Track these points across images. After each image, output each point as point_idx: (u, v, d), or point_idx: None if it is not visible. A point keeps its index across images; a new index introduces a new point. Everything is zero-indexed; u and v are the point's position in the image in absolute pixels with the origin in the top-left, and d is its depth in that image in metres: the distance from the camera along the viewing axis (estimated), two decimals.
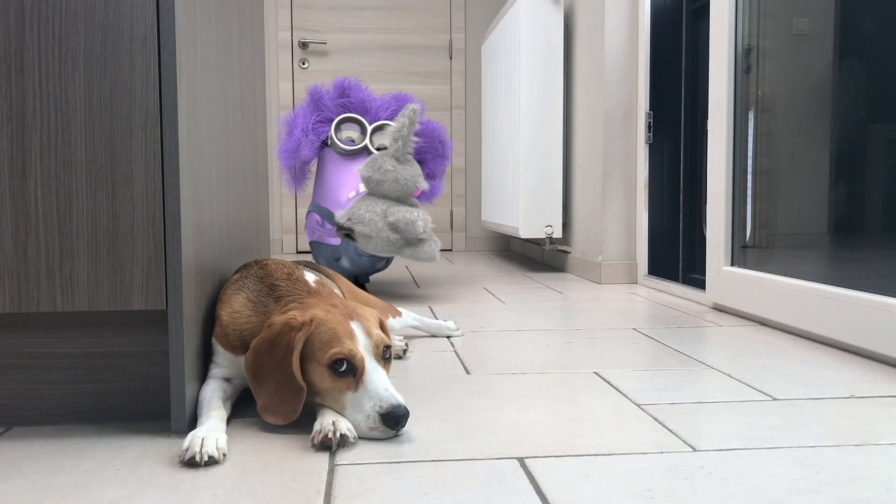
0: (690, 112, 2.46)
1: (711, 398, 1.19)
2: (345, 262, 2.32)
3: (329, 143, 2.47)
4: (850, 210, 1.87)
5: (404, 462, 0.91)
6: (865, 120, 1.79)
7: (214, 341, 1.14)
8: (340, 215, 2.18)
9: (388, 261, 2.38)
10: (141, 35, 0.98)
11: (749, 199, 2.05)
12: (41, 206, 0.99)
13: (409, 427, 1.04)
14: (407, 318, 1.65)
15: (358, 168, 2.22)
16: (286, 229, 4.28)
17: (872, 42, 1.79)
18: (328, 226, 2.32)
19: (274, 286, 1.14)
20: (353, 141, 2.47)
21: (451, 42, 4.33)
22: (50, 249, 0.99)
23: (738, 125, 2.01)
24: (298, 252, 4.31)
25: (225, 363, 1.13)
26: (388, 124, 2.44)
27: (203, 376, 1.12)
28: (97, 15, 0.97)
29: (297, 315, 1.02)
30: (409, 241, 2.13)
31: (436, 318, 1.96)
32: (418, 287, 2.65)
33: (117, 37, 0.98)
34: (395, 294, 2.46)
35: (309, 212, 2.46)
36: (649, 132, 2.61)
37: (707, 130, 2.10)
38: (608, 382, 1.29)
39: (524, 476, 0.86)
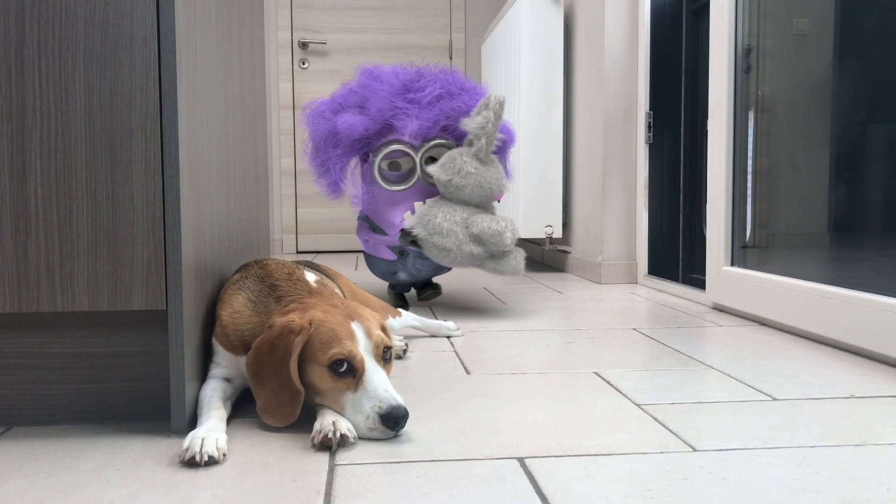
0: (690, 112, 2.46)
1: (711, 398, 1.19)
2: (402, 276, 2.10)
3: (373, 171, 2.03)
4: (850, 210, 1.87)
5: (404, 462, 0.91)
6: (865, 120, 1.79)
7: (215, 341, 1.14)
8: (410, 222, 1.95)
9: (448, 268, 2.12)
10: (141, 35, 0.98)
11: (749, 199, 2.05)
12: (41, 206, 0.99)
13: (409, 427, 1.04)
14: (407, 318, 1.65)
15: (431, 169, 1.94)
16: (286, 229, 4.28)
17: (872, 42, 1.79)
18: (379, 237, 2.07)
19: (274, 286, 1.14)
20: (399, 168, 2.03)
21: (451, 42, 4.33)
22: (50, 249, 0.99)
23: (738, 125, 2.01)
24: (298, 252, 4.31)
25: (225, 363, 1.13)
26: (442, 144, 2.00)
27: (203, 376, 1.12)
28: (97, 15, 0.97)
29: (296, 318, 1.02)
30: (493, 253, 1.92)
31: (436, 317, 1.96)
32: None
33: (117, 37, 0.98)
34: None
35: (359, 219, 2.16)
36: (649, 132, 2.61)
37: (707, 130, 2.10)
38: (608, 382, 1.29)
39: (524, 476, 0.86)
